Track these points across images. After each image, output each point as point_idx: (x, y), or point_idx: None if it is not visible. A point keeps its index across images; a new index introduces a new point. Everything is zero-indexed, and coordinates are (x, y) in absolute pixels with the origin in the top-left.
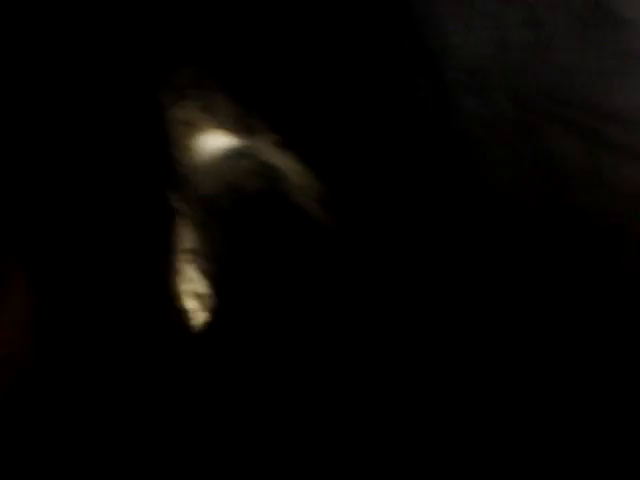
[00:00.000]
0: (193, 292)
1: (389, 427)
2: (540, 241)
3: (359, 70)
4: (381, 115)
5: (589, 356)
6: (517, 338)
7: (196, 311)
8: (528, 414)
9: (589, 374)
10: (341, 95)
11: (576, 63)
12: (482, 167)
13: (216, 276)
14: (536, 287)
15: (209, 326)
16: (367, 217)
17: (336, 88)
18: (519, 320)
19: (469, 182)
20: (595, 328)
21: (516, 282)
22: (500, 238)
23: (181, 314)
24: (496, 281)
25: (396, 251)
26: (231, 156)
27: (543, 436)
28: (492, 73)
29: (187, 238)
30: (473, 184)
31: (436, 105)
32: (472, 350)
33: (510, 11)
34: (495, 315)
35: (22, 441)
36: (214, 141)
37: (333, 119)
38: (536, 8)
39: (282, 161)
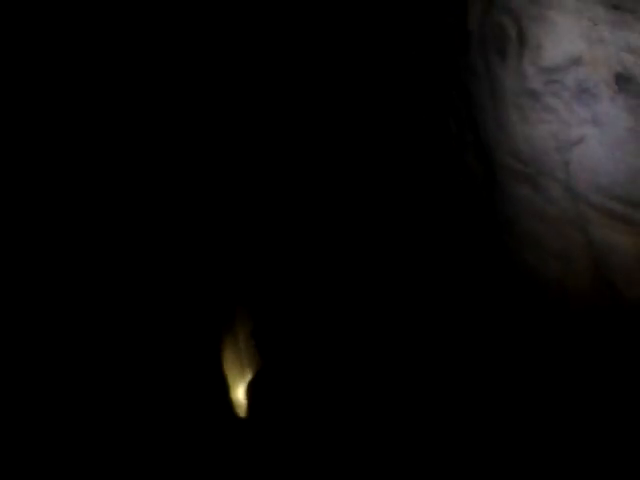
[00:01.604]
0: None
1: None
2: (586, 337)
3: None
4: (432, 195)
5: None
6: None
7: None
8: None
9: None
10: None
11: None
12: (529, 256)
13: None
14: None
15: None
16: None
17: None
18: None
19: (514, 271)
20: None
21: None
22: (544, 334)
23: None
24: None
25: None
26: None
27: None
28: (549, 165)
29: None
30: (519, 273)
31: (487, 190)
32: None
33: (578, 109)
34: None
35: None
36: None
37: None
38: (605, 108)
39: None
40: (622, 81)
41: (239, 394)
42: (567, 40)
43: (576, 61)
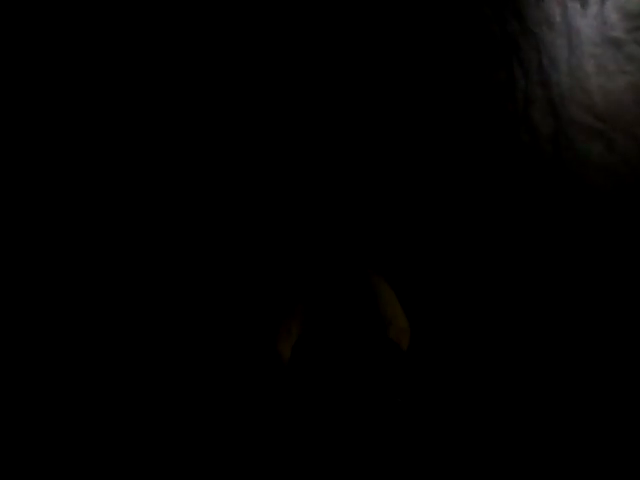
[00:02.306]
0: None
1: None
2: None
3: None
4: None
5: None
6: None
7: None
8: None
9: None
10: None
11: None
12: (600, 216)
13: None
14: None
15: None
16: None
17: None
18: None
19: (579, 229)
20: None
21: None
22: (613, 292)
23: None
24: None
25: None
26: None
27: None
28: (626, 120)
29: None
30: (584, 231)
31: (554, 147)
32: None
33: None
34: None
35: None
36: None
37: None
38: None
39: None
40: None
41: (285, 353)
42: None
43: None
